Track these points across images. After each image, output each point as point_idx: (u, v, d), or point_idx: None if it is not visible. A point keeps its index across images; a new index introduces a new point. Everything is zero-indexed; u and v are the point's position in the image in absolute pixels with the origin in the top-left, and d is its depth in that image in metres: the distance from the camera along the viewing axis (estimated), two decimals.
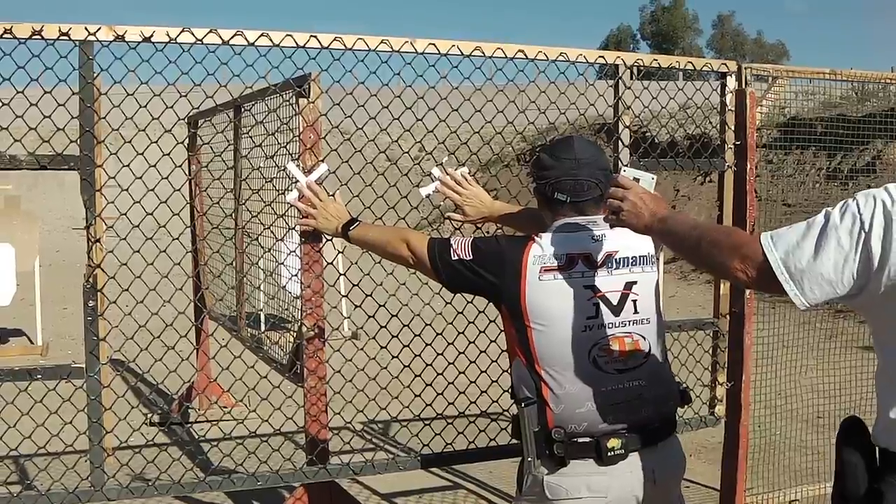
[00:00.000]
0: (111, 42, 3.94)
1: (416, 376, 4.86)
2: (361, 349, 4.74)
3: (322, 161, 4.26)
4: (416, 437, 5.03)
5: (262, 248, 5.32)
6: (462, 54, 4.48)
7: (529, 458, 3.32)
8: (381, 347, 4.89)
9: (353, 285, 4.69)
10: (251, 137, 4.80)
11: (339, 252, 4.98)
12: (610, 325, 3.31)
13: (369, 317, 4.77)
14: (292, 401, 4.75)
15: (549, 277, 3.28)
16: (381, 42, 4.30)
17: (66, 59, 3.94)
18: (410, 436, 4.95)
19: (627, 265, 3.37)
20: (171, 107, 4.01)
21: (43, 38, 3.84)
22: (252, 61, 4.18)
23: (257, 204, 5.08)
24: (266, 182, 4.90)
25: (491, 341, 5.03)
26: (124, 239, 4.07)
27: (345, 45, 4.24)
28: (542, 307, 3.27)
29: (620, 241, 3.35)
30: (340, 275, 5.10)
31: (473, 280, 3.41)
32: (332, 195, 4.13)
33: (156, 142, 4.15)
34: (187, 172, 7.58)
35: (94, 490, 4.03)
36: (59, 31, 3.86)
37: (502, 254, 3.35)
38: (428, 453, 4.81)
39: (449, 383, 4.93)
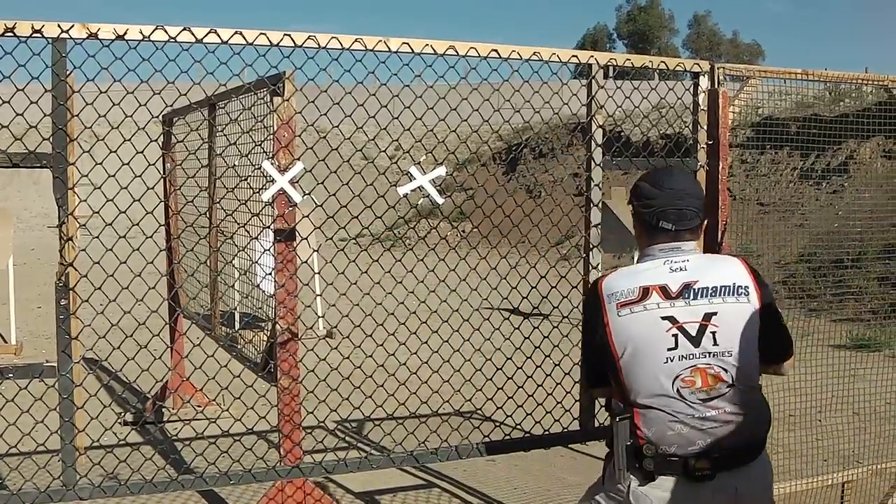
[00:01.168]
0: (84, 39, 3.92)
1: (389, 375, 4.86)
2: (335, 348, 4.74)
3: (298, 160, 4.25)
4: (389, 436, 5.04)
5: (237, 246, 5.31)
6: (436, 53, 4.48)
7: (620, 468, 3.41)
8: (355, 346, 4.89)
9: (328, 284, 4.69)
10: (226, 136, 4.79)
11: (314, 251, 4.98)
12: (690, 356, 3.35)
13: (343, 316, 4.77)
14: (265, 400, 4.75)
15: (626, 312, 3.38)
16: (355, 41, 4.30)
17: (39, 56, 3.92)
18: (384, 434, 4.95)
19: (706, 296, 3.40)
20: (145, 104, 4.00)
21: (15, 35, 3.82)
22: (226, 59, 4.18)
23: (232, 202, 5.07)
24: (241, 180, 4.89)
25: (465, 340, 5.05)
26: (97, 237, 4.05)
27: (318, 44, 4.24)
28: (624, 341, 3.37)
29: (703, 270, 3.45)
30: (315, 273, 5.10)
31: (594, 352, 3.54)
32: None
33: (129, 139, 4.14)
34: (161, 171, 7.57)
35: (66, 489, 4.02)
36: (32, 28, 3.84)
37: (587, 307, 3.60)
38: (401, 452, 4.82)
39: (423, 382, 4.95)
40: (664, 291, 3.39)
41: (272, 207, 4.37)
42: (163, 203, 7.31)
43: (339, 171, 4.62)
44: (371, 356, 4.93)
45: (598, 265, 4.95)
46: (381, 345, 4.91)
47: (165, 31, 3.99)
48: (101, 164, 3.93)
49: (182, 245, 7.51)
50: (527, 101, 4.91)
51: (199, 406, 8.32)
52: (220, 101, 5.69)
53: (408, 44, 4.42)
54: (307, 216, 4.51)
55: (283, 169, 4.19)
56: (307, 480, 4.66)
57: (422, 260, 4.91)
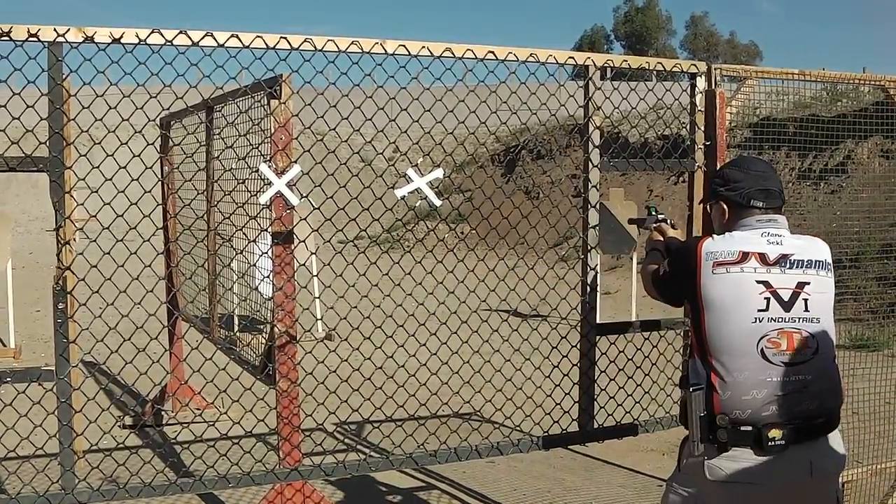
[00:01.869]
0: (80, 43, 3.92)
1: (388, 377, 4.86)
2: (334, 351, 4.74)
3: (295, 162, 4.25)
4: (388, 438, 5.03)
5: (235, 249, 5.31)
6: (432, 55, 4.48)
7: (693, 440, 3.51)
8: (354, 349, 4.89)
9: (326, 286, 4.68)
10: (223, 139, 4.79)
11: (312, 253, 4.97)
12: (780, 319, 3.49)
13: (341, 318, 4.77)
14: (264, 402, 4.74)
15: (722, 271, 3.52)
16: (352, 43, 4.30)
17: (35, 60, 3.92)
18: (383, 437, 4.95)
19: (801, 266, 3.58)
20: (142, 108, 4.00)
21: (11, 39, 3.82)
22: (223, 62, 4.18)
23: (229, 205, 5.06)
24: (239, 183, 4.89)
25: (463, 342, 5.05)
26: (94, 241, 4.05)
27: (315, 47, 4.24)
28: (714, 297, 3.52)
29: (798, 245, 3.64)
30: (313, 276, 5.09)
31: (674, 287, 3.80)
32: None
33: (126, 143, 4.14)
34: (158, 174, 7.57)
35: (65, 493, 4.01)
36: (28, 32, 3.84)
37: (679, 254, 3.82)
38: (400, 454, 4.82)
39: (421, 384, 4.94)
40: (762, 258, 3.55)
41: (270, 210, 4.37)
42: (160, 206, 7.33)
43: (337, 174, 4.62)
44: (369, 358, 4.93)
45: (596, 266, 4.95)
46: (380, 347, 4.92)
47: (161, 35, 3.99)
48: (97, 167, 3.93)
49: (180, 248, 7.52)
50: (524, 102, 4.91)
51: (197, 409, 8.32)
52: (217, 104, 5.69)
53: (404, 46, 4.42)
54: (305, 219, 4.49)
55: (280, 172, 4.19)
56: (306, 483, 4.66)
57: (420, 262, 4.92)
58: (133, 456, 4.46)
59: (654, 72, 5.37)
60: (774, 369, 3.44)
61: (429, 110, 4.67)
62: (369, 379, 4.90)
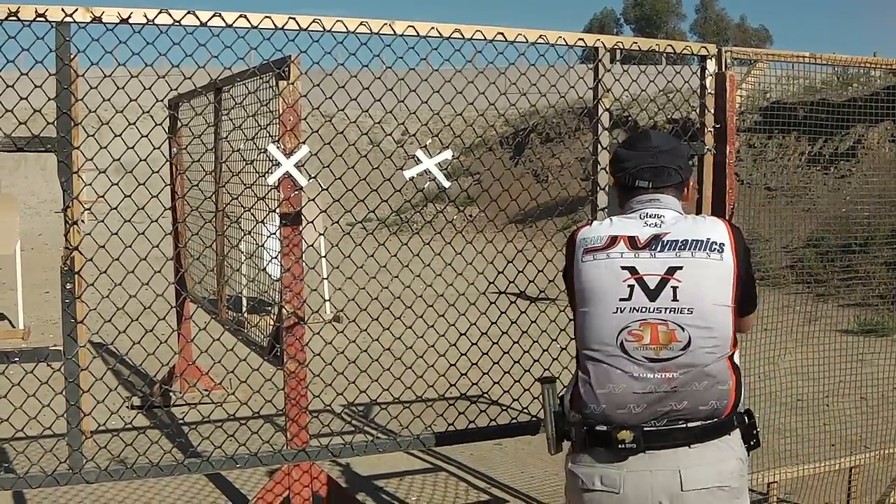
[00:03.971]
0: (88, 23, 3.91)
1: (395, 359, 4.86)
2: (342, 332, 4.74)
3: (303, 143, 4.24)
4: (395, 420, 5.03)
5: (243, 230, 5.31)
6: (441, 36, 4.46)
7: (549, 438, 3.36)
8: (362, 330, 4.88)
9: (334, 268, 4.68)
10: (231, 120, 4.78)
11: (321, 234, 4.98)
12: (643, 310, 3.17)
13: (349, 299, 4.76)
14: (272, 384, 4.75)
15: (589, 258, 3.28)
16: (360, 24, 4.28)
17: (43, 40, 3.92)
18: (390, 418, 4.95)
19: (674, 249, 3.22)
20: (150, 88, 3.99)
21: (19, 19, 3.81)
22: (231, 43, 4.17)
23: (238, 186, 5.06)
24: (247, 164, 4.88)
25: (471, 324, 5.04)
26: (102, 221, 4.05)
27: (323, 27, 4.22)
28: (582, 287, 3.27)
29: (678, 225, 3.29)
30: (321, 257, 5.08)
31: (565, 281, 3.46)
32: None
33: (134, 124, 4.13)
34: (167, 155, 7.57)
35: (73, 473, 4.03)
36: (36, 12, 3.83)
37: (566, 245, 3.45)
38: (407, 436, 4.82)
39: (429, 366, 4.94)
40: (631, 241, 3.25)
41: (278, 191, 4.36)
42: (168, 187, 7.33)
43: (346, 155, 4.61)
44: (377, 340, 4.93)
45: None
46: (388, 329, 4.91)
47: (170, 15, 3.98)
48: (105, 148, 3.91)
49: (188, 229, 7.52)
50: (533, 84, 4.88)
51: (205, 390, 8.33)
52: (226, 85, 5.68)
53: (413, 27, 4.40)
54: (313, 199, 4.49)
55: (288, 152, 4.18)
56: (314, 464, 4.67)
57: (428, 244, 4.90)
58: (140, 436, 4.47)
59: (664, 54, 5.34)
60: (635, 365, 3.14)
61: (437, 91, 4.65)
62: (377, 360, 4.89)
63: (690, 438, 3.17)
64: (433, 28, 4.44)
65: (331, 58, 4.50)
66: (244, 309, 8.57)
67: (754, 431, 3.35)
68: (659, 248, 3.22)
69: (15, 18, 3.81)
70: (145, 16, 3.95)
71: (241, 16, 4.06)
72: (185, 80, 4.31)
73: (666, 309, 3.16)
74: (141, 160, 4.02)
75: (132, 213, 4.11)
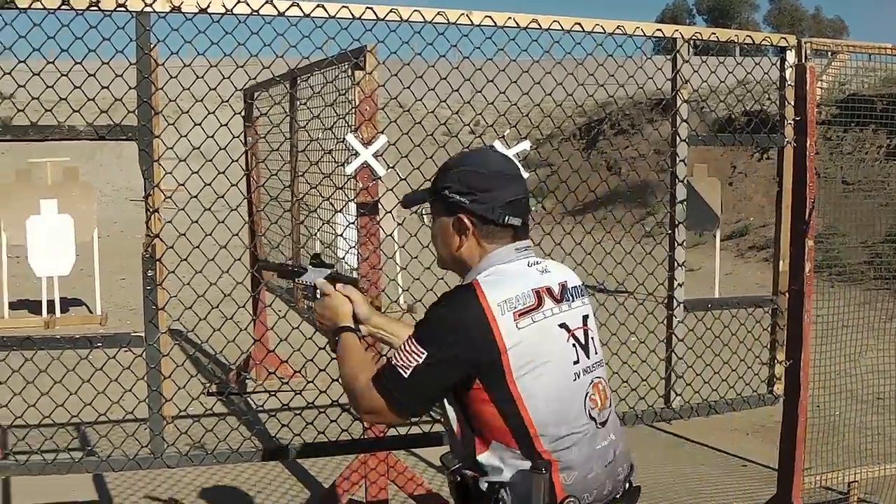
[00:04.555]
0: (168, 13, 3.94)
1: None
2: None
3: (381, 133, 4.24)
4: None
5: (320, 219, 5.33)
6: (518, 26, 4.43)
7: None
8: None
9: (412, 258, 4.66)
10: (309, 109, 4.80)
11: (399, 224, 4.96)
12: (588, 369, 2.75)
13: (428, 290, 4.75)
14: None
15: (528, 322, 2.64)
16: (437, 14, 4.26)
17: (124, 30, 3.96)
18: None
19: (579, 296, 2.83)
20: (228, 78, 4.01)
21: (100, 9, 3.85)
22: (308, 32, 4.18)
23: (315, 175, 5.07)
24: (325, 154, 4.90)
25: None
26: (182, 209, 4.08)
27: (401, 17, 4.20)
28: (528, 361, 2.62)
29: (561, 271, 2.88)
30: (399, 247, 5.07)
31: (442, 377, 2.64)
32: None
33: (213, 112, 4.16)
34: (244, 143, 7.63)
35: (154, 457, 4.07)
36: (116, 2, 3.86)
37: (457, 322, 2.64)
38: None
39: None
40: (551, 294, 2.73)
41: (355, 181, 4.37)
42: (246, 175, 7.38)
43: (422, 145, 4.59)
44: None
45: (683, 242, 4.88)
46: None
47: (248, 5, 3.99)
48: (185, 136, 3.94)
49: (266, 217, 7.57)
50: (611, 75, 4.83)
51: (283, 378, 8.37)
52: (303, 75, 5.70)
53: (490, 17, 4.37)
54: (391, 189, 4.49)
55: (366, 142, 4.18)
56: (390, 453, 4.68)
57: None
58: (220, 423, 4.51)
59: (740, 45, 5.25)
60: (600, 433, 2.73)
61: (515, 82, 4.62)
62: None
63: (631, 500, 2.89)
64: (510, 18, 4.41)
65: (406, 47, 4.50)
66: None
67: None
68: (570, 298, 2.78)
69: (96, 8, 3.85)
70: (224, 5, 3.97)
71: (318, 5, 4.06)
72: (264, 70, 4.31)
73: (596, 364, 2.81)
74: (220, 149, 4.05)
75: (210, 201, 4.13)
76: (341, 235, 4.55)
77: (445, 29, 4.39)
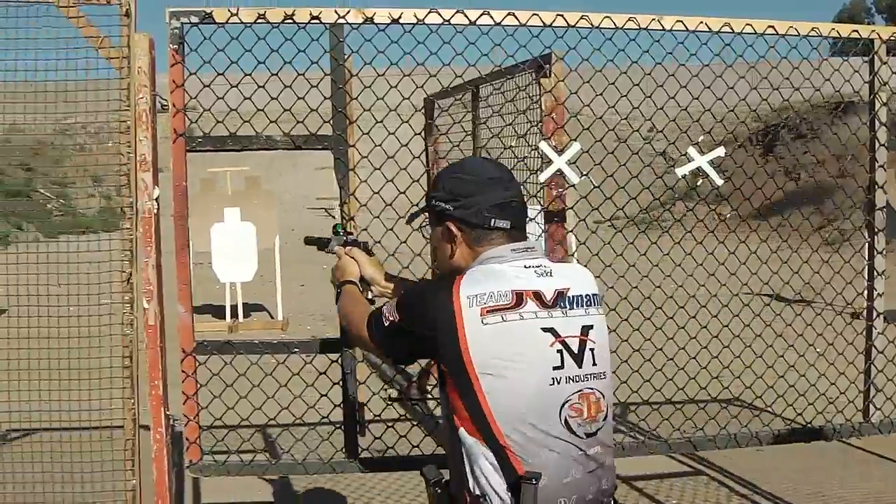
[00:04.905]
0: (360, 24, 4.03)
1: (645, 360, 4.76)
2: (614, 331, 4.69)
3: (574, 140, 4.21)
4: (644, 422, 4.94)
5: None
6: (687, 30, 4.31)
7: None
8: (611, 330, 4.81)
9: (606, 266, 4.62)
10: (501, 116, 4.81)
11: (569, 231, 4.93)
12: (576, 379, 2.70)
13: (622, 298, 4.71)
14: None
15: (496, 320, 2.63)
16: (629, 20, 4.22)
17: (318, 41, 4.06)
18: (638, 420, 4.88)
19: (581, 305, 2.77)
20: (422, 87, 4.07)
21: (294, 21, 3.97)
22: (501, 40, 4.19)
23: None
24: (518, 161, 4.90)
25: (723, 326, 4.90)
26: (377, 217, 4.15)
27: (591, 24, 4.19)
28: (493, 357, 2.63)
29: (569, 276, 2.83)
30: (569, 255, 5.01)
31: (411, 343, 2.80)
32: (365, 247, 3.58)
33: (407, 122, 4.22)
34: (426, 152, 7.70)
35: (349, 461, 4.15)
36: (310, 14, 3.98)
37: (424, 302, 2.76)
38: (654, 439, 4.73)
39: (679, 368, 4.81)
40: (539, 299, 2.69)
41: (526, 188, 4.36)
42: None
43: (593, 152, 4.54)
44: (627, 340, 4.85)
45: (882, 250, 4.70)
46: (638, 329, 4.82)
47: (439, 14, 4.04)
48: (380, 145, 4.02)
49: None
50: (786, 77, 4.69)
51: None
52: (493, 82, 5.70)
53: (681, 21, 4.31)
54: (585, 197, 4.47)
55: (559, 149, 4.17)
56: None
57: (678, 243, 4.79)
58: (414, 428, 4.56)
59: None
60: (580, 443, 2.68)
61: (684, 87, 4.51)
62: (626, 361, 4.82)
63: None
64: (678, 21, 4.31)
65: (577, 54, 4.44)
66: None
67: None
68: (568, 306, 2.74)
69: (291, 21, 3.97)
70: (415, 16, 4.03)
71: (509, 13, 4.08)
72: (456, 78, 4.35)
73: (591, 375, 2.73)
74: (414, 157, 4.10)
75: (403, 209, 4.18)
76: (537, 239, 4.56)
77: (613, 34, 4.34)
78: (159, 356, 3.98)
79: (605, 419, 2.75)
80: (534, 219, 4.56)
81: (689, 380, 4.86)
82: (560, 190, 4.32)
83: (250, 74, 3.93)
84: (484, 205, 2.77)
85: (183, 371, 4.03)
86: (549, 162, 4.12)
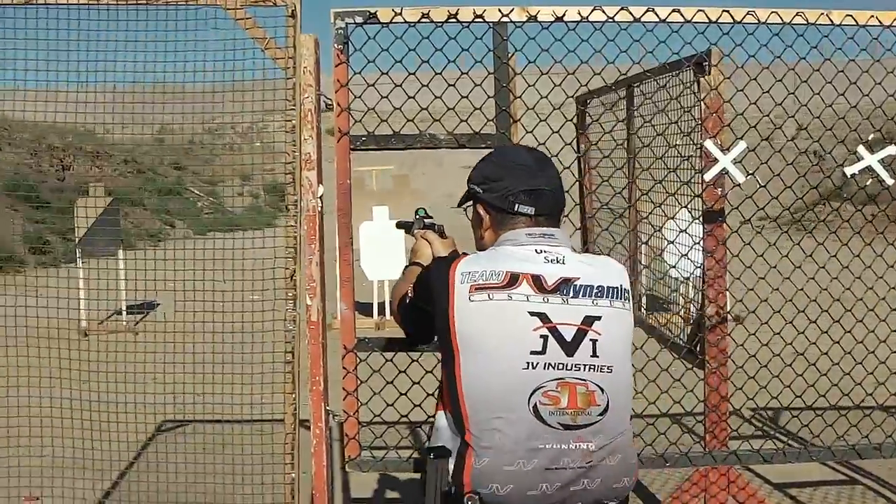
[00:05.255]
0: (524, 23, 4.02)
1: (809, 364, 4.64)
2: (753, 334, 4.60)
3: (740, 139, 4.13)
4: (806, 428, 4.81)
5: (666, 228, 5.27)
6: (832, 23, 4.14)
7: None
8: (775, 333, 4.70)
9: (746, 267, 4.52)
10: (666, 114, 4.74)
11: (734, 232, 4.85)
12: (559, 366, 2.65)
13: (762, 300, 4.60)
14: (681, 384, 4.64)
15: (483, 297, 2.67)
16: (796, 14, 4.11)
17: (481, 40, 4.06)
18: (801, 426, 4.75)
19: (590, 295, 2.73)
20: (586, 85, 4.04)
21: (458, 20, 3.98)
22: (665, 38, 4.14)
23: (650, 182, 5.01)
24: (683, 160, 4.84)
25: (892, 330, 4.74)
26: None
27: (758, 19, 4.09)
28: (472, 332, 2.67)
29: (585, 267, 2.80)
30: (733, 255, 4.90)
31: (418, 317, 2.93)
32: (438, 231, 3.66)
33: (571, 120, 4.21)
34: (576, 150, 7.67)
35: None
36: (474, 13, 3.98)
37: (429, 277, 2.87)
38: (819, 446, 4.58)
39: (845, 373, 4.67)
40: (537, 282, 2.69)
41: (690, 188, 4.29)
42: (577, 182, 7.40)
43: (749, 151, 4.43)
44: (791, 343, 4.73)
45: None
46: (803, 332, 4.70)
47: (603, 12, 4.00)
48: (543, 143, 4.00)
49: (597, 224, 7.55)
50: None
51: None
52: (655, 78, 5.64)
53: (851, 16, 4.17)
54: (750, 196, 4.39)
55: (725, 148, 4.10)
56: (731, 468, 4.57)
57: (821, 244, 4.64)
58: None
59: None
60: (550, 433, 2.61)
61: (830, 82, 4.36)
62: (790, 365, 4.70)
63: None
64: (823, 14, 4.16)
65: (743, 51, 4.34)
66: (653, 306, 8.51)
67: None
68: (571, 294, 2.71)
69: (454, 20, 3.98)
70: (579, 13, 4.00)
71: (674, 10, 4.02)
72: (622, 76, 4.32)
73: (585, 366, 2.67)
74: (578, 156, 4.08)
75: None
76: (675, 242, 4.50)
77: (780, 29, 4.22)
78: (321, 352, 4.04)
79: (602, 414, 2.67)
80: (698, 219, 4.50)
81: (855, 385, 4.71)
82: (721, 189, 4.25)
83: (414, 73, 3.96)
84: (511, 189, 2.84)
85: (344, 367, 4.08)
86: (715, 161, 4.05)
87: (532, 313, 2.67)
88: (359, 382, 4.09)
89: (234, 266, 5.48)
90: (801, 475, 6.46)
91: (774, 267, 4.51)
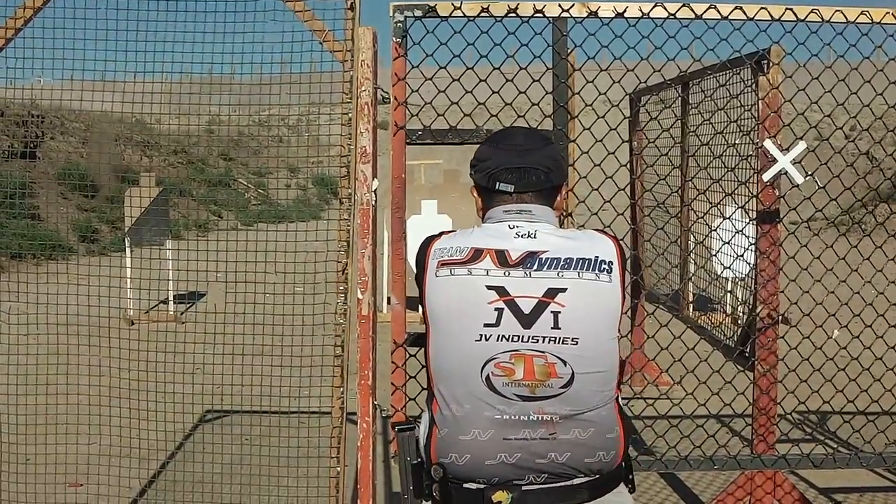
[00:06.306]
0: (584, 18, 3.99)
1: (863, 370, 4.58)
2: (807, 337, 4.54)
3: (800, 139, 4.09)
4: (857, 433, 4.75)
5: (720, 228, 5.22)
6: (872, 21, 4.05)
7: (404, 496, 2.84)
8: (829, 337, 4.66)
9: (802, 269, 4.46)
10: (726, 112, 4.70)
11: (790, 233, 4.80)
12: (514, 338, 2.66)
13: (817, 304, 4.55)
14: (731, 386, 4.60)
15: (446, 273, 2.74)
16: (861, 13, 4.05)
17: (541, 35, 4.04)
18: (852, 431, 4.69)
19: (555, 267, 2.71)
20: (645, 82, 4.00)
21: (518, 15, 3.95)
22: (727, 35, 4.09)
23: (707, 182, 4.97)
24: (742, 160, 4.80)
25: None
26: (596, 214, 4.09)
27: (822, 18, 4.03)
28: (436, 306, 2.76)
29: (558, 240, 2.78)
30: (789, 257, 4.85)
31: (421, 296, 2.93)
32: None
33: (629, 118, 4.17)
34: (630, 149, 7.63)
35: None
36: (534, 8, 3.95)
37: (416, 255, 2.90)
38: (869, 452, 4.51)
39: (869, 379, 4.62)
40: (500, 256, 2.72)
41: (748, 187, 4.25)
42: (632, 182, 7.36)
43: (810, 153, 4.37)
44: (845, 348, 4.67)
45: None
46: (858, 336, 4.64)
47: (664, 8, 3.96)
48: (601, 141, 3.98)
49: (650, 223, 7.53)
50: None
51: (662, 387, 8.24)
52: (698, 78, 5.61)
53: (866, 13, 4.09)
54: (809, 198, 4.34)
55: (785, 149, 4.05)
56: (778, 472, 4.52)
57: (880, 247, 4.57)
58: None
59: None
60: (506, 404, 2.63)
61: (894, 83, 4.29)
62: (843, 370, 4.63)
63: (578, 498, 2.70)
64: (863, 12, 4.08)
65: (805, 50, 4.28)
66: (702, 307, 8.44)
67: (630, 476, 2.88)
68: (535, 267, 2.70)
69: (514, 15, 3.95)
70: (640, 9, 3.96)
71: (736, 7, 3.97)
72: (683, 73, 4.28)
73: (544, 338, 2.66)
74: (634, 154, 4.04)
75: (622, 205, 4.14)
76: (751, 244, 4.45)
77: (844, 28, 4.16)
78: (370, 346, 4.04)
79: (564, 386, 2.64)
80: (741, 231, 4.46)
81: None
82: (777, 190, 4.21)
83: (472, 68, 3.95)
84: (493, 168, 2.87)
85: (393, 362, 4.07)
86: (774, 161, 4.01)
87: (490, 287, 2.69)
88: (407, 378, 4.08)
89: (283, 258, 5.48)
90: (847, 480, 6.38)
91: (831, 269, 4.45)
